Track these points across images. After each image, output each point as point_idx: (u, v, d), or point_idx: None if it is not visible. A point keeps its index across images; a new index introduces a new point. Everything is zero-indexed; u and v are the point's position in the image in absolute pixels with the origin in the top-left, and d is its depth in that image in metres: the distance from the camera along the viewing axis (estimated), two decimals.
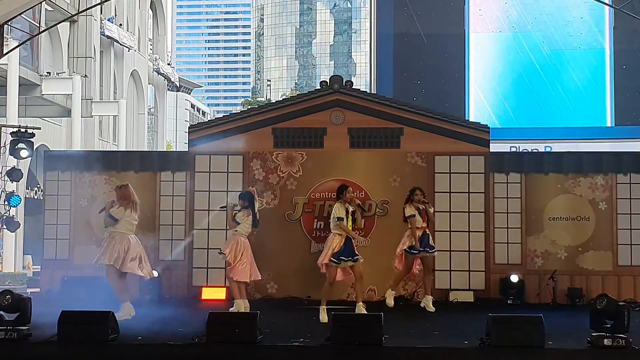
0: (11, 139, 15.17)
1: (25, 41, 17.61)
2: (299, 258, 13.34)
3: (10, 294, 8.29)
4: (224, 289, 12.89)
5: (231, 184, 13.52)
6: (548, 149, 22.27)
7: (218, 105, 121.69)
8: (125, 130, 30.63)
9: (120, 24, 32.67)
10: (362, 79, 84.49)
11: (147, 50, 38.43)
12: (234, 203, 11.77)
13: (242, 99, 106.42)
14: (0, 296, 8.23)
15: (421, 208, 11.91)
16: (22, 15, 14.41)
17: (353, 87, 14.06)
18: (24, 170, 18.94)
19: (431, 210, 12.18)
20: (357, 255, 10.75)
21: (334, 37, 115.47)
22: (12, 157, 15.62)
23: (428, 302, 11.83)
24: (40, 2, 14.21)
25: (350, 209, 10.86)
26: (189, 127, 14.26)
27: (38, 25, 20.09)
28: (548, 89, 24.47)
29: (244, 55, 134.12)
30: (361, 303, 10.73)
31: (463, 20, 24.75)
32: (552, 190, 13.60)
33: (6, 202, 16.07)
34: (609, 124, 24.14)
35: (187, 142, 14.13)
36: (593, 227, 13.50)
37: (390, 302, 11.76)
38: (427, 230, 11.97)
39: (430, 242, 11.99)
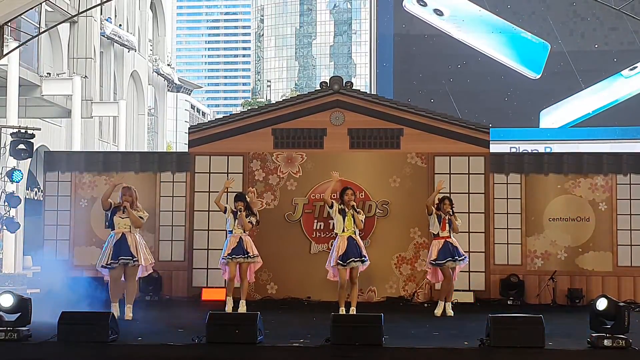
0: (11, 139, 15.16)
1: (26, 42, 17.59)
2: (299, 259, 13.36)
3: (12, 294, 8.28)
4: (224, 289, 12.88)
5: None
6: (548, 150, 22.28)
7: (218, 105, 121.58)
8: (125, 131, 30.58)
9: (120, 25, 32.66)
10: (362, 80, 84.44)
11: (147, 51, 38.42)
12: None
13: (242, 100, 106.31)
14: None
15: (443, 217, 11.49)
16: (22, 16, 14.42)
17: (353, 87, 14.06)
18: (24, 171, 18.91)
19: (457, 222, 11.58)
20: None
21: (334, 37, 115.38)
22: (12, 157, 15.62)
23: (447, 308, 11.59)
24: (41, 3, 14.19)
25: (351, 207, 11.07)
26: (189, 128, 14.27)
27: (38, 25, 20.07)
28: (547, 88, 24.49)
29: (244, 55, 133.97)
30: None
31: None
32: (552, 191, 13.61)
33: (6, 203, 16.07)
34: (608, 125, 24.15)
35: (187, 142, 14.14)
36: (593, 228, 13.51)
37: (439, 312, 11.44)
38: (449, 240, 11.50)
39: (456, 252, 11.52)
